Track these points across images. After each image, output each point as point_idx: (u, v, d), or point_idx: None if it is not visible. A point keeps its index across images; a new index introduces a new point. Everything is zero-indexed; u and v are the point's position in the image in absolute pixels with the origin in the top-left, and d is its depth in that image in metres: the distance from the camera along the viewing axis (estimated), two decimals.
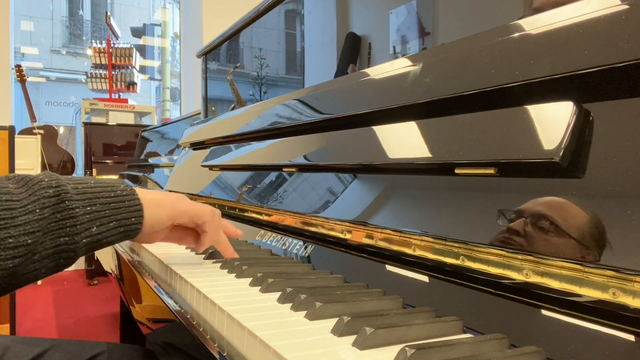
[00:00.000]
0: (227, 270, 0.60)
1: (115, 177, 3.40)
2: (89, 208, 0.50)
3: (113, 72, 5.47)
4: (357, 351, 0.34)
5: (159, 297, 0.60)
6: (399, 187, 0.56)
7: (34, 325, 2.44)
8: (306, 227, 0.68)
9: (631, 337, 0.31)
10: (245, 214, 0.89)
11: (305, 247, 0.67)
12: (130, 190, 0.55)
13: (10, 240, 0.44)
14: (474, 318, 0.40)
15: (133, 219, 0.54)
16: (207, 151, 1.26)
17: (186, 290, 0.54)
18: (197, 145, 1.40)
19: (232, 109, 1.47)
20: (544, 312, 0.36)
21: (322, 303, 0.41)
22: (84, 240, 0.50)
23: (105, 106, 4.97)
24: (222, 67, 1.65)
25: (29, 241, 0.45)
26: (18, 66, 4.74)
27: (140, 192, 0.57)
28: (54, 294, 3.05)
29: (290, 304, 0.44)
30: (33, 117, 4.62)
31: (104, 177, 3.70)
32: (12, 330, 1.88)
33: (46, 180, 0.49)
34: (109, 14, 5.46)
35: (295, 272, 0.58)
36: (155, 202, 0.57)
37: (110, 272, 1.21)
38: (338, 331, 0.37)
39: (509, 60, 0.45)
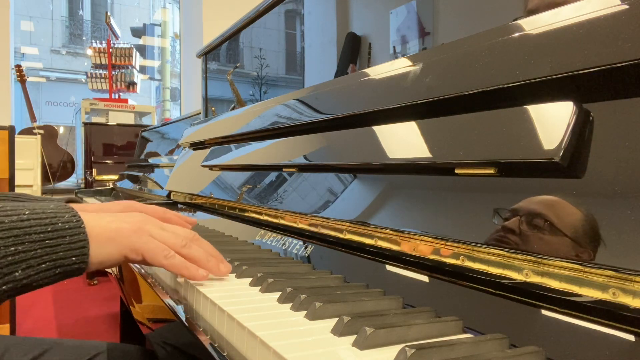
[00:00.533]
0: None
1: (115, 177, 3.40)
2: (12, 248, 0.43)
3: (113, 72, 5.47)
4: (357, 351, 0.34)
5: (159, 297, 0.60)
6: (399, 187, 0.56)
7: (34, 325, 2.44)
8: (306, 227, 0.68)
9: (631, 337, 0.31)
10: (245, 214, 0.89)
11: (305, 247, 0.67)
12: (76, 222, 0.47)
13: None
14: (474, 318, 0.40)
15: (74, 258, 0.46)
16: (207, 151, 1.26)
17: (186, 291, 0.54)
18: (197, 145, 1.40)
19: (232, 109, 1.47)
20: (544, 312, 0.36)
21: (322, 303, 0.41)
22: (3, 287, 0.42)
23: (105, 106, 4.98)
24: (222, 67, 1.65)
25: None
26: (18, 66, 4.74)
27: (90, 221, 0.49)
28: (54, 294, 3.05)
29: (290, 304, 0.44)
30: (33, 117, 4.62)
31: (99, 177, 3.70)
32: (12, 330, 1.88)
33: None
34: (109, 14, 5.46)
35: (295, 272, 0.58)
36: (107, 235, 0.49)
37: (110, 272, 1.21)
38: (338, 331, 0.37)
39: (509, 60, 0.45)
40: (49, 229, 0.45)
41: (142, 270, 0.73)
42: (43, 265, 0.44)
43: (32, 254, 0.44)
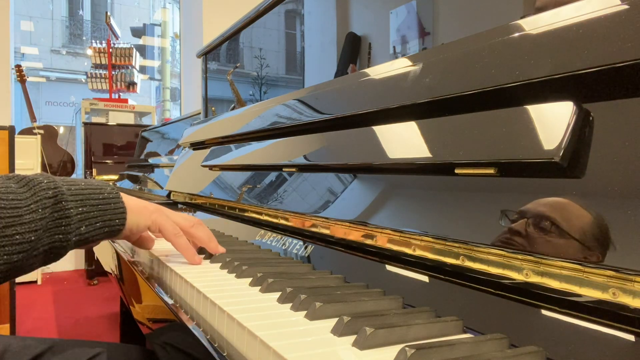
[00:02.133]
0: (227, 270, 0.60)
1: (115, 177, 3.40)
2: (80, 209, 0.55)
3: (113, 72, 5.47)
4: (357, 351, 0.34)
5: (159, 297, 0.60)
6: (399, 187, 0.56)
7: (34, 325, 2.44)
8: (306, 227, 0.68)
9: (631, 337, 0.31)
10: (245, 214, 0.89)
11: (305, 247, 0.67)
12: (116, 194, 0.60)
13: (17, 237, 0.48)
14: (474, 318, 0.40)
15: (117, 221, 0.59)
16: (207, 151, 1.26)
17: (186, 291, 0.54)
18: (197, 145, 1.40)
19: (232, 109, 1.47)
20: (544, 312, 0.36)
21: (322, 303, 0.41)
22: (74, 239, 0.54)
23: (105, 106, 4.97)
24: (222, 67, 1.65)
25: (32, 238, 0.49)
26: (18, 66, 4.74)
27: (125, 196, 0.61)
28: (54, 294, 3.05)
29: (290, 304, 0.44)
30: (33, 117, 4.62)
31: (99, 177, 3.71)
32: (12, 330, 1.88)
33: (45, 181, 0.53)
34: (109, 14, 5.46)
35: (295, 272, 0.58)
36: (137, 208, 0.62)
37: (110, 272, 1.21)
38: (338, 331, 0.37)
39: (509, 60, 0.45)
40: (100, 197, 0.57)
41: (143, 270, 0.73)
42: (98, 224, 0.56)
43: (92, 214, 0.56)
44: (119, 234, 0.60)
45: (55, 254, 0.54)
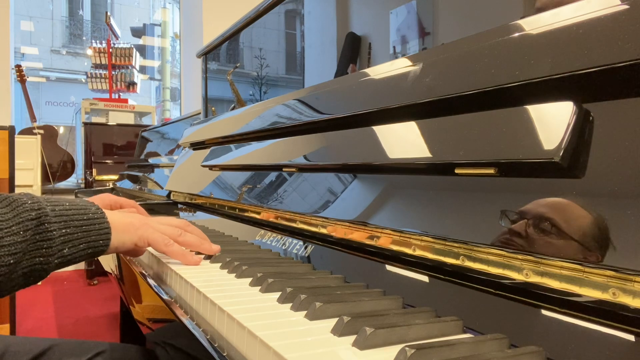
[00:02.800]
0: (227, 270, 0.60)
1: (115, 177, 3.40)
2: (63, 230, 0.54)
3: (113, 72, 5.47)
4: (357, 351, 0.34)
5: (159, 297, 0.60)
6: (399, 187, 0.56)
7: (34, 325, 2.44)
8: (306, 227, 0.68)
9: (631, 337, 0.31)
10: (245, 214, 0.89)
11: (305, 247, 0.67)
12: (101, 214, 0.59)
13: None
14: (474, 318, 0.40)
15: (101, 242, 0.58)
16: (207, 151, 1.26)
17: (186, 291, 0.54)
18: (197, 145, 1.40)
19: (232, 109, 1.47)
20: (544, 312, 0.36)
21: (322, 303, 0.41)
22: (55, 261, 0.53)
23: (105, 106, 4.97)
24: (222, 67, 1.65)
25: (12, 261, 0.48)
26: (18, 66, 4.74)
27: (109, 215, 0.60)
28: (54, 294, 3.05)
29: (290, 304, 0.44)
30: (33, 117, 4.62)
31: (100, 177, 3.71)
32: (12, 330, 1.88)
33: (29, 202, 0.52)
34: (109, 14, 5.46)
35: (295, 272, 0.58)
36: (123, 226, 0.61)
37: (110, 272, 1.21)
38: (338, 331, 0.37)
39: (509, 60, 0.45)
40: (85, 217, 0.57)
41: (143, 270, 0.73)
42: (81, 246, 0.56)
43: (75, 235, 0.55)
44: (102, 254, 0.59)
45: (36, 277, 0.52)
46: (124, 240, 0.61)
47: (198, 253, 0.69)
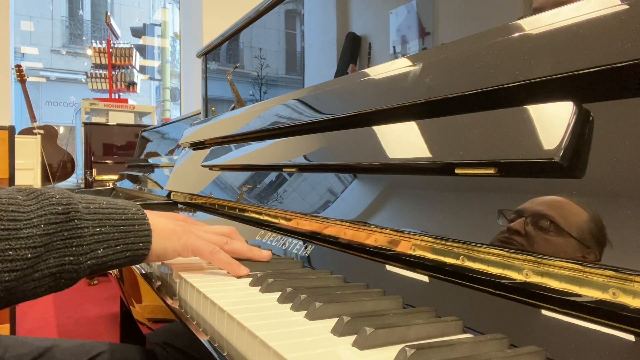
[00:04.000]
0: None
1: (115, 177, 3.40)
2: (98, 229, 0.49)
3: (113, 72, 5.47)
4: (357, 351, 0.34)
5: (159, 297, 0.60)
6: (399, 187, 0.56)
7: (34, 325, 2.44)
8: (306, 227, 0.68)
9: (631, 337, 0.31)
10: (245, 214, 0.89)
11: (305, 247, 0.67)
12: (142, 215, 0.54)
13: (10, 252, 0.42)
14: (474, 318, 0.40)
15: (141, 244, 0.53)
16: (207, 151, 1.26)
17: (186, 291, 0.54)
18: (197, 145, 1.40)
19: (232, 109, 1.47)
20: (544, 312, 0.36)
21: (322, 303, 0.41)
22: (88, 262, 0.49)
23: (105, 106, 4.98)
24: (222, 67, 1.65)
25: (29, 255, 0.43)
26: (18, 66, 4.74)
27: (151, 217, 0.55)
28: (54, 294, 3.05)
29: (290, 304, 0.44)
30: (33, 117, 4.62)
31: (99, 177, 3.71)
32: (12, 330, 1.88)
33: (57, 196, 0.48)
34: (109, 14, 5.46)
35: (295, 272, 0.58)
36: (165, 232, 0.56)
37: (111, 272, 1.21)
38: (338, 331, 0.37)
39: (509, 60, 0.45)
40: (123, 217, 0.52)
41: (143, 271, 0.73)
42: (118, 247, 0.51)
43: (111, 235, 0.50)
44: (143, 259, 0.54)
45: (66, 279, 0.48)
46: (167, 247, 0.56)
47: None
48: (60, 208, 0.47)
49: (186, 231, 0.59)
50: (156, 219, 0.56)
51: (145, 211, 0.56)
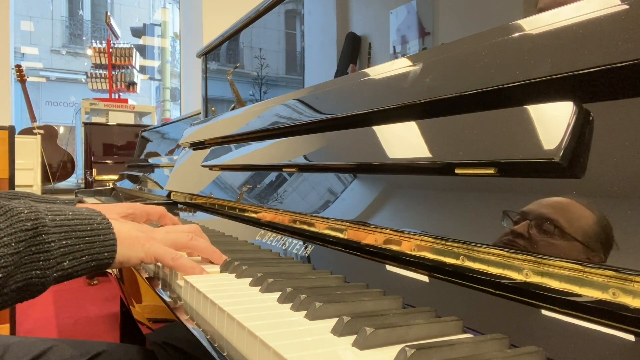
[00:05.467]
0: (227, 270, 0.60)
1: (115, 177, 3.40)
2: (64, 242, 0.50)
3: (113, 72, 5.47)
4: (357, 351, 0.34)
5: (159, 297, 0.60)
6: (399, 187, 0.56)
7: (34, 325, 2.44)
8: (306, 227, 0.68)
9: (631, 337, 0.31)
10: (245, 214, 0.89)
11: (305, 247, 0.67)
12: (107, 224, 0.55)
13: None
14: (474, 318, 0.40)
15: (106, 254, 0.54)
16: (207, 151, 1.26)
17: (186, 291, 0.54)
18: (197, 145, 1.40)
19: (232, 109, 1.47)
20: (544, 312, 0.36)
21: (322, 303, 0.41)
22: (54, 275, 0.50)
23: (105, 106, 4.98)
24: (222, 67, 1.65)
25: (0, 275, 0.44)
26: (18, 66, 4.74)
27: (117, 226, 0.57)
28: (54, 294, 3.05)
29: (290, 304, 0.44)
30: (33, 117, 4.62)
31: (99, 177, 3.71)
32: (12, 330, 1.88)
33: (25, 212, 0.49)
34: (109, 14, 5.46)
35: (295, 272, 0.58)
36: (129, 240, 0.57)
37: (110, 272, 1.21)
38: (338, 331, 0.37)
39: (509, 60, 0.45)
40: (88, 228, 0.53)
41: (144, 272, 0.73)
42: (84, 258, 0.52)
43: (77, 247, 0.51)
44: (107, 267, 0.56)
45: (32, 291, 0.49)
46: (130, 255, 0.57)
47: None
48: (29, 224, 0.48)
49: (149, 238, 0.59)
50: (120, 227, 0.57)
51: (110, 219, 0.56)
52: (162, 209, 0.76)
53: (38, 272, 0.48)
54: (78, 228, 0.52)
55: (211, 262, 0.64)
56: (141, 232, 0.60)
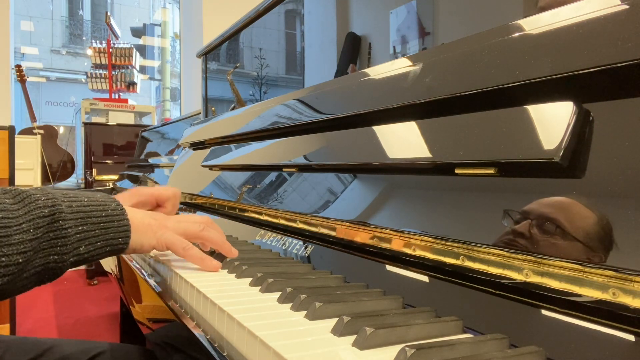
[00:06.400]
0: (227, 270, 0.60)
1: (115, 177, 3.40)
2: (80, 228, 0.52)
3: (113, 72, 5.47)
4: (357, 351, 0.34)
5: (159, 297, 0.60)
6: (399, 187, 0.56)
7: (34, 325, 2.44)
8: (306, 227, 0.68)
9: (631, 337, 0.31)
10: (245, 214, 0.89)
11: (305, 247, 0.67)
12: (121, 210, 0.56)
13: (3, 259, 0.45)
14: (474, 318, 0.40)
15: (120, 239, 0.55)
16: (207, 151, 1.26)
17: (186, 290, 0.54)
18: (197, 145, 1.40)
19: (232, 109, 1.47)
20: (544, 312, 0.36)
21: (322, 303, 0.41)
22: (71, 259, 0.51)
23: (105, 106, 4.97)
24: (222, 67, 1.65)
25: (21, 260, 0.46)
26: (18, 66, 4.74)
27: (131, 213, 0.58)
28: (54, 294, 3.05)
29: (290, 304, 0.44)
30: (33, 117, 4.62)
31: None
32: (12, 330, 1.88)
33: (42, 198, 0.50)
34: (109, 14, 5.46)
35: (295, 272, 0.58)
36: (143, 227, 0.58)
37: (110, 272, 1.21)
38: (338, 331, 0.37)
39: (509, 60, 0.45)
40: (103, 214, 0.54)
41: (143, 272, 0.73)
42: (99, 244, 0.53)
43: (92, 233, 0.53)
44: (121, 252, 0.57)
45: (50, 275, 0.51)
46: (142, 242, 0.58)
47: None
48: (46, 210, 0.49)
49: (162, 226, 0.61)
50: (134, 214, 0.58)
51: (124, 206, 0.58)
52: (174, 190, 0.75)
53: (56, 257, 0.49)
54: (93, 214, 0.53)
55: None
56: (154, 220, 0.61)
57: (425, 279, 0.47)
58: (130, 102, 5.32)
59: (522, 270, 0.38)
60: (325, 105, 0.76)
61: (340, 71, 0.92)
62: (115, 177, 3.41)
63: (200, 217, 0.66)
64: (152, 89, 13.23)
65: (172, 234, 0.60)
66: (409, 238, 0.49)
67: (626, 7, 0.37)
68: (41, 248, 0.48)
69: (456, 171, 0.48)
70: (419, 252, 0.48)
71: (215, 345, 0.43)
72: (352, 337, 0.36)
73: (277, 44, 1.24)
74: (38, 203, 0.49)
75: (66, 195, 0.53)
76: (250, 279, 0.54)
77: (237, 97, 1.45)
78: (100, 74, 5.50)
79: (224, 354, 0.41)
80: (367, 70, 0.69)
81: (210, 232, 0.63)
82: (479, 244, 0.42)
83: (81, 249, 0.52)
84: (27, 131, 4.61)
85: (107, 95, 5.40)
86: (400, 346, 0.32)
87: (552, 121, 0.40)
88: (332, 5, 0.98)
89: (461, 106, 0.50)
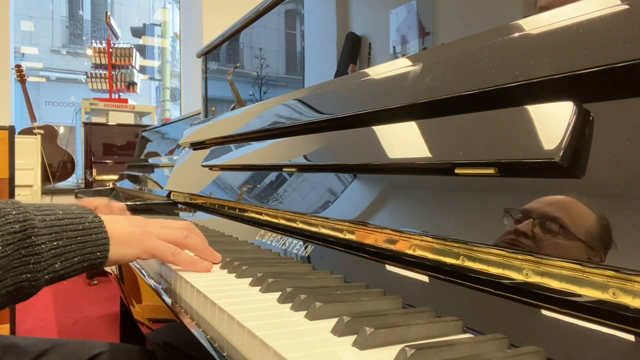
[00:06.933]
0: (227, 270, 0.60)
1: (115, 177, 3.40)
2: (55, 243, 0.49)
3: (113, 72, 5.47)
4: (357, 351, 0.34)
5: (159, 297, 0.60)
6: (399, 187, 0.56)
7: (34, 325, 2.44)
8: (306, 227, 0.68)
9: (631, 337, 0.31)
10: (245, 214, 0.89)
11: (305, 247, 0.67)
12: (98, 223, 0.54)
13: None
14: (474, 318, 0.40)
15: (98, 253, 0.53)
16: (207, 151, 1.26)
17: (186, 291, 0.54)
18: (197, 145, 1.40)
19: (232, 109, 1.47)
20: (544, 312, 0.36)
21: (322, 303, 0.41)
22: (46, 277, 0.48)
23: (105, 106, 4.97)
24: (222, 67, 1.65)
25: None
26: (18, 66, 4.74)
27: (109, 223, 0.55)
28: (54, 294, 3.05)
29: (290, 304, 0.44)
30: (33, 117, 4.62)
31: (100, 177, 3.70)
32: (12, 330, 1.88)
33: (13, 213, 0.47)
34: (109, 14, 5.46)
35: (295, 272, 0.58)
36: (123, 237, 0.56)
37: (110, 272, 1.21)
38: (338, 331, 0.37)
39: (509, 60, 0.45)
40: (80, 227, 0.52)
41: (144, 272, 0.73)
42: (75, 259, 0.51)
43: (68, 248, 0.50)
44: (100, 266, 0.55)
45: (23, 295, 0.47)
46: (124, 252, 0.56)
47: None
48: (17, 226, 0.46)
49: (145, 233, 0.58)
50: (113, 225, 0.55)
51: (102, 217, 0.55)
52: (104, 200, 0.74)
53: (29, 275, 0.46)
54: (69, 228, 0.51)
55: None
56: (136, 227, 0.58)
57: (425, 279, 0.47)
58: (130, 102, 5.32)
59: (522, 270, 0.38)
60: (325, 105, 0.76)
61: (340, 71, 0.92)
62: (115, 177, 3.41)
63: (181, 222, 0.65)
64: (152, 89, 13.23)
65: (157, 240, 0.58)
66: (409, 238, 0.49)
67: (626, 7, 0.37)
68: (12, 266, 0.45)
69: (456, 171, 0.48)
70: (419, 252, 0.48)
71: (215, 345, 0.43)
72: (352, 337, 0.36)
73: (277, 44, 1.24)
74: (8, 218, 0.46)
75: (39, 209, 0.50)
76: (250, 279, 0.54)
77: (237, 97, 1.45)
78: (100, 74, 5.50)
79: (224, 354, 0.41)
80: (367, 70, 0.69)
81: (193, 239, 0.61)
82: (479, 244, 0.42)
83: (56, 265, 0.49)
84: (27, 131, 4.61)
85: (107, 95, 5.40)
86: (400, 346, 0.32)
87: (552, 121, 0.40)
88: (332, 5, 0.98)
89: (461, 106, 0.50)
